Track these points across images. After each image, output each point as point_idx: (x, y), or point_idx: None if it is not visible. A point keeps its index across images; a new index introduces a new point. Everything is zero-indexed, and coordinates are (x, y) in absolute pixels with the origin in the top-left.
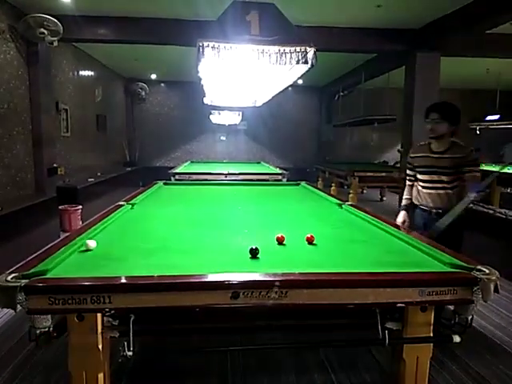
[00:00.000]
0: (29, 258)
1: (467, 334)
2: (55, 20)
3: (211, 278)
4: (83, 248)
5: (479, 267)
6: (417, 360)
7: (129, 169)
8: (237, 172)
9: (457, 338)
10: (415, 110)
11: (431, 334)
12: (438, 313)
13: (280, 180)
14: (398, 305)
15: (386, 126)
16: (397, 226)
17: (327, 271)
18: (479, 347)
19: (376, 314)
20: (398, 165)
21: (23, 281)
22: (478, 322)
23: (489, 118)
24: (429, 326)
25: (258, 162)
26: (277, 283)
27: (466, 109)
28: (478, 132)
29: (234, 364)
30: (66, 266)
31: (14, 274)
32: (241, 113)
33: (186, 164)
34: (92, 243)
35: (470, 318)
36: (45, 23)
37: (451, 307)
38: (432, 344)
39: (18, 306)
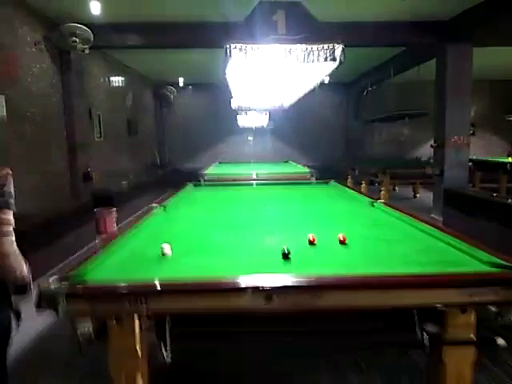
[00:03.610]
0: (68, 261)
1: None
2: (86, 28)
3: (244, 280)
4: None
5: None
6: (458, 364)
7: (159, 171)
8: (265, 172)
9: (501, 341)
10: (448, 104)
11: (472, 337)
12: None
13: (309, 179)
14: (437, 306)
15: (418, 120)
16: (433, 225)
17: (361, 272)
18: None
19: (414, 315)
20: (432, 160)
21: (64, 285)
22: None
23: None
24: (470, 327)
25: (286, 161)
26: (310, 286)
27: (502, 100)
28: None
29: (270, 366)
30: (104, 269)
31: (55, 278)
32: (268, 113)
33: (214, 165)
34: (168, 249)
35: None
36: (76, 32)
37: (494, 308)
38: (474, 347)
39: (60, 310)
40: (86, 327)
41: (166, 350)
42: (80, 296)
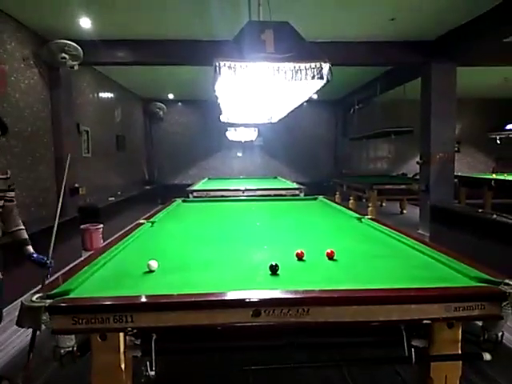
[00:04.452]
0: (52, 278)
1: (498, 352)
2: (76, 45)
3: (232, 295)
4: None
5: (507, 281)
6: (445, 379)
7: (148, 187)
8: (254, 188)
9: (487, 356)
10: (433, 121)
11: (459, 352)
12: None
13: (297, 195)
14: (424, 321)
15: (404, 137)
16: (420, 240)
17: (349, 287)
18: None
19: (401, 330)
20: (418, 177)
21: (47, 301)
22: (510, 339)
23: (509, 126)
24: (456, 342)
25: (275, 177)
26: (299, 301)
27: (485, 118)
28: (498, 141)
29: (258, 382)
30: (88, 285)
31: (38, 294)
32: (257, 129)
33: (203, 181)
34: (154, 264)
35: (500, 334)
36: (66, 48)
37: (480, 323)
38: (461, 362)
39: (43, 325)
40: (70, 343)
41: (151, 367)
42: (64, 312)
